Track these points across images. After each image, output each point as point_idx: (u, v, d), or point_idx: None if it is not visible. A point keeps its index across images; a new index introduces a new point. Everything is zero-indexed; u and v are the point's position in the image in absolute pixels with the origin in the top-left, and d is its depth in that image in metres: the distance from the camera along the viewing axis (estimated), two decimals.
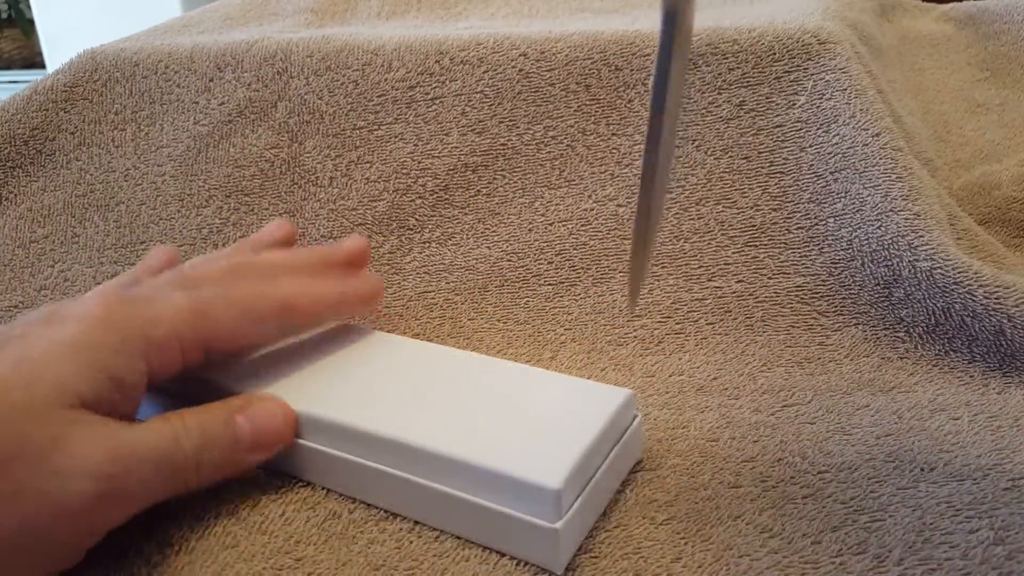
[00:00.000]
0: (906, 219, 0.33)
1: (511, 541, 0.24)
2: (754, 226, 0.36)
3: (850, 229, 0.35)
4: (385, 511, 0.26)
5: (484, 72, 0.39)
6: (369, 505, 0.26)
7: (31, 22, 1.74)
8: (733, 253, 0.36)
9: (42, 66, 1.74)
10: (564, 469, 0.23)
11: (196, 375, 0.28)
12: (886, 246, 0.33)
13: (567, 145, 0.38)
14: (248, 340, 0.29)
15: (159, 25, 0.53)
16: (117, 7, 1.48)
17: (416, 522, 0.25)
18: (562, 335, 0.36)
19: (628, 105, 0.38)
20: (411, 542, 0.25)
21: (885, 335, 0.33)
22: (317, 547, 0.25)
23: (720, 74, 0.37)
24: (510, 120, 0.39)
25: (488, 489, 0.23)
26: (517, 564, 0.24)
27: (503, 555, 0.24)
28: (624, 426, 0.26)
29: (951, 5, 0.63)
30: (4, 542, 0.21)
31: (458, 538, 0.25)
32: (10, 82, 1.87)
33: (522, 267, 0.38)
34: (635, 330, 0.35)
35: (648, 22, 0.43)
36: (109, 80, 0.43)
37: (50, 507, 0.21)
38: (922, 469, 0.26)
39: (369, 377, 0.29)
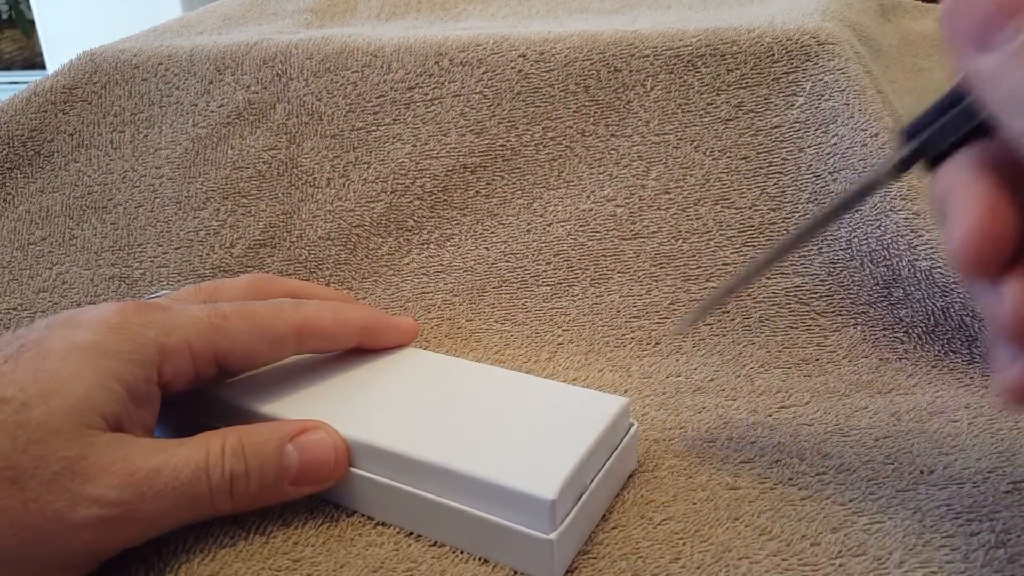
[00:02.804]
0: (905, 218, 0.33)
1: (507, 552, 0.23)
2: (752, 226, 0.36)
3: (849, 229, 0.35)
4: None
5: (483, 73, 0.39)
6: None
7: (31, 23, 1.74)
8: (731, 253, 0.36)
9: (42, 67, 1.74)
10: (558, 480, 0.23)
11: (211, 392, 0.28)
12: (885, 246, 0.33)
13: (566, 146, 0.38)
14: (264, 359, 0.28)
15: (159, 26, 0.52)
16: (117, 8, 1.48)
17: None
18: (560, 336, 0.36)
19: (627, 106, 0.38)
20: (409, 544, 0.25)
21: (884, 335, 0.33)
22: (315, 548, 0.25)
23: (719, 75, 0.37)
24: (509, 121, 0.39)
25: (483, 500, 0.23)
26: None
27: None
28: (620, 435, 0.26)
29: None
30: (15, 550, 0.21)
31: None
32: (10, 83, 1.87)
33: (520, 268, 0.38)
34: (633, 331, 0.35)
35: (648, 22, 0.43)
36: (108, 82, 0.43)
37: (61, 525, 0.21)
38: (921, 472, 0.26)
39: (361, 387, 0.29)
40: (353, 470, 0.26)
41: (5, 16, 1.92)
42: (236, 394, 0.28)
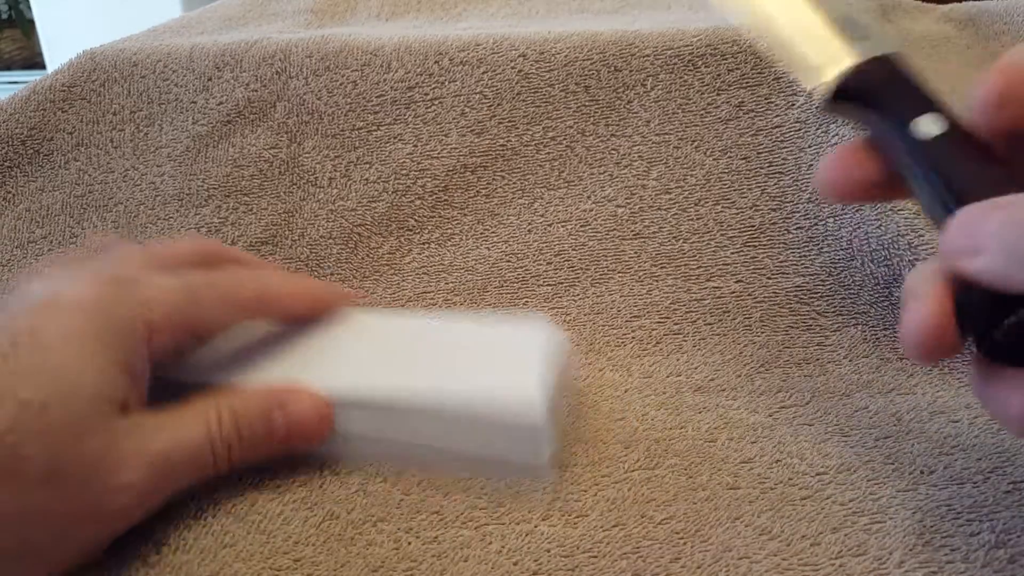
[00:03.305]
0: (906, 219, 0.33)
1: (498, 446, 0.26)
2: (753, 226, 0.36)
3: (850, 229, 0.35)
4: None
5: (483, 73, 0.39)
6: (367, 507, 0.26)
7: (31, 22, 1.74)
8: (732, 253, 0.36)
9: (42, 66, 1.74)
10: (534, 378, 0.26)
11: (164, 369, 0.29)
12: (886, 245, 0.33)
13: (566, 146, 0.38)
14: (226, 328, 0.29)
15: (159, 26, 0.52)
16: (117, 8, 1.48)
17: (412, 524, 0.25)
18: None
19: (627, 106, 0.38)
20: (409, 543, 0.25)
21: (885, 336, 0.33)
22: (316, 548, 0.25)
23: (719, 75, 0.37)
24: (509, 121, 0.39)
25: (470, 404, 0.26)
26: (515, 563, 0.24)
27: (501, 554, 0.24)
28: (554, 345, 0.29)
29: (951, 6, 0.63)
30: (47, 546, 0.22)
31: (456, 538, 0.25)
32: (10, 83, 1.87)
33: (521, 268, 0.38)
34: (633, 331, 0.35)
35: (648, 22, 0.43)
36: (107, 80, 0.43)
37: (96, 517, 0.22)
38: (922, 472, 0.26)
39: (326, 347, 0.30)
40: (338, 411, 0.27)
41: (5, 16, 1.92)
42: (206, 370, 0.29)
